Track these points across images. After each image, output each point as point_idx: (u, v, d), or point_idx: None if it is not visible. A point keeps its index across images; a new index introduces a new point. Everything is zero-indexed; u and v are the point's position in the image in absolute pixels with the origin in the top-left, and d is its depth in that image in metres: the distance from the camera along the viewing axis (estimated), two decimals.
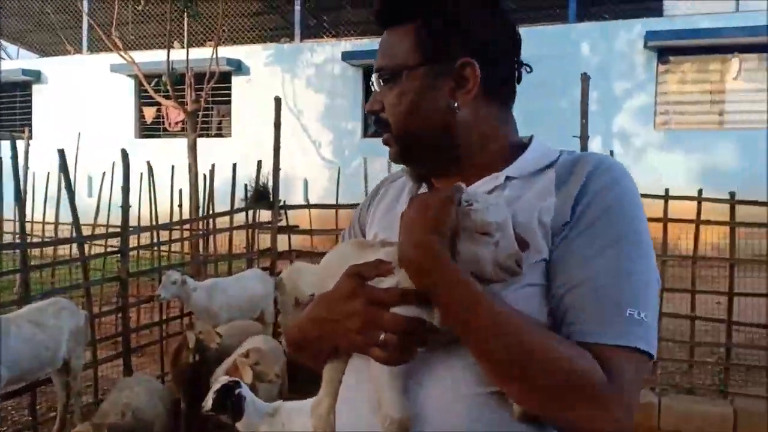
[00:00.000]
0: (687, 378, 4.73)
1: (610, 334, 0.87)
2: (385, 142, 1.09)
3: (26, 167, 6.85)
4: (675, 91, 11.67)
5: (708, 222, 4.76)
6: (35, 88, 15.27)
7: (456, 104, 1.03)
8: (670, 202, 4.81)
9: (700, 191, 4.86)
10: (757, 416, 4.21)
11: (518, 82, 1.10)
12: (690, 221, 4.81)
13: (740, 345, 4.78)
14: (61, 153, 4.77)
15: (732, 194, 4.71)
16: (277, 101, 6.07)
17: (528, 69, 1.09)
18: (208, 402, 3.26)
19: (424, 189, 1.13)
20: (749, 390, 4.57)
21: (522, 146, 1.06)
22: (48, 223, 7.29)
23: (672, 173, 10.47)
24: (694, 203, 4.82)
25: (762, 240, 5.29)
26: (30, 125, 14.12)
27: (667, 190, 4.85)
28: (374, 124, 1.10)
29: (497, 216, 0.87)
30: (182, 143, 11.94)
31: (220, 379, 3.37)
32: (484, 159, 1.05)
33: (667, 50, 11.51)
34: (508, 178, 1.01)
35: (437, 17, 1.02)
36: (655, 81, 11.61)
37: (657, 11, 12.11)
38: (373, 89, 1.10)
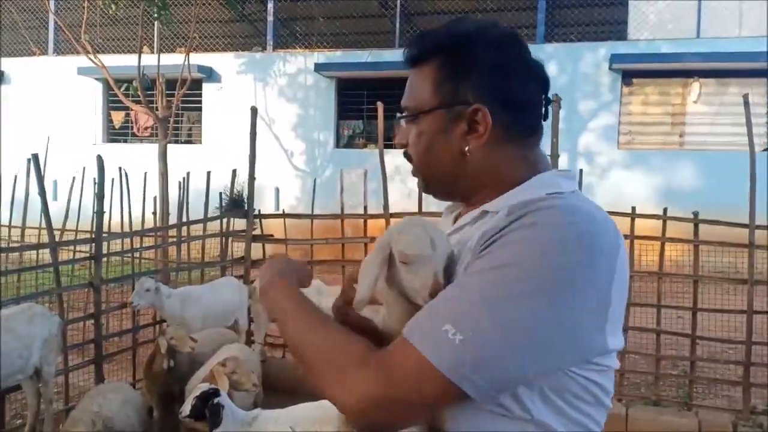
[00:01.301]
0: (652, 390, 4.89)
1: (411, 333, 0.90)
2: (412, 172, 1.18)
3: None
4: (638, 112, 12.05)
5: (673, 240, 4.95)
6: None
7: (467, 148, 1.07)
8: (636, 220, 4.99)
9: (665, 210, 5.05)
10: (720, 428, 4.38)
11: (545, 119, 1.12)
12: (656, 239, 4.99)
13: (703, 359, 4.97)
14: (35, 158, 4.69)
15: (695, 214, 4.91)
16: (254, 111, 6.08)
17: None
18: (187, 408, 3.24)
19: (455, 209, 1.22)
20: (712, 402, 4.74)
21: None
22: (15, 227, 7.12)
23: (635, 191, 10.82)
24: (655, 221, 5.01)
25: (722, 258, 5.51)
26: None
27: (633, 209, 5.03)
28: (404, 155, 1.19)
29: (417, 248, 0.94)
30: (150, 149, 11.82)
31: (200, 386, 3.35)
32: (496, 192, 1.07)
33: (631, 73, 11.90)
34: (484, 211, 1.06)
35: (453, 63, 1.07)
36: (619, 102, 11.98)
37: (621, 35, 12.52)
38: (399, 125, 1.19)
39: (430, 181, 1.16)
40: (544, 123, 1.13)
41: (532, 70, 1.10)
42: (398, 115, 1.17)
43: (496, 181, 1.08)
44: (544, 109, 1.11)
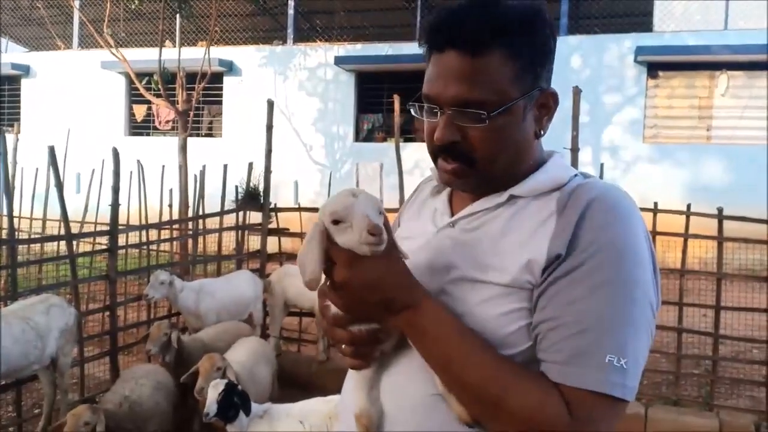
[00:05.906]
0: (673, 390, 4.77)
1: (586, 380, 0.87)
2: (456, 173, 1.02)
3: (14, 162, 6.77)
4: (664, 106, 11.81)
5: (697, 236, 4.82)
6: (24, 82, 15.12)
7: (542, 131, 1.06)
8: (659, 215, 4.87)
9: (688, 206, 4.92)
10: (742, 429, 4.25)
11: None
12: (679, 235, 4.86)
13: (726, 358, 4.83)
14: (51, 150, 4.72)
15: (720, 210, 4.77)
16: (270, 104, 6.06)
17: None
18: (213, 407, 3.15)
19: (444, 192, 1.16)
20: (734, 403, 4.61)
21: (542, 164, 1.06)
22: (36, 219, 7.22)
23: (660, 186, 10.61)
24: (679, 216, 4.88)
25: (747, 255, 5.36)
26: (18, 120, 13.96)
27: (656, 204, 4.91)
28: (445, 152, 1.03)
29: (339, 202, 0.95)
30: (172, 142, 11.89)
31: (213, 383, 3.30)
32: (516, 174, 1.04)
33: (657, 65, 11.66)
34: (512, 196, 1.01)
35: (529, 49, 0.98)
36: (644, 95, 11.75)
37: (647, 26, 12.27)
38: (437, 120, 1.01)
39: (494, 176, 1.03)
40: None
41: None
42: (449, 104, 0.98)
43: (528, 161, 1.06)
44: None
